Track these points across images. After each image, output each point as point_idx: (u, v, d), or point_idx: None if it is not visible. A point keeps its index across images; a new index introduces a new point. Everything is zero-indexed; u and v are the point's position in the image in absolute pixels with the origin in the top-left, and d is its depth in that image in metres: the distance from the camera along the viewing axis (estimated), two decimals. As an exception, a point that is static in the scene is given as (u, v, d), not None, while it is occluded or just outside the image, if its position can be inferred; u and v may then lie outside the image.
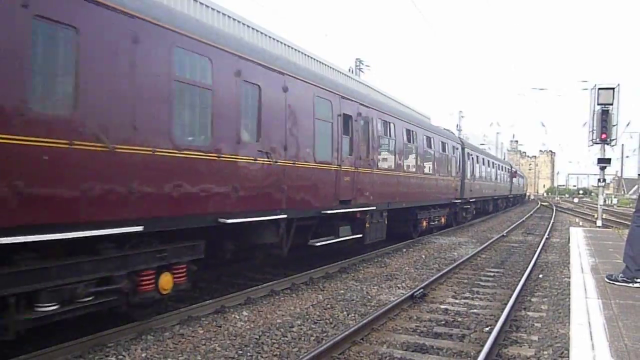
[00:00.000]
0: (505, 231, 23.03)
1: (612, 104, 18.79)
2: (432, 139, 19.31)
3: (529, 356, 6.48)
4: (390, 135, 15.07)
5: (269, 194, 9.16)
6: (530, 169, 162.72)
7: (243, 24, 17.32)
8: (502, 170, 40.51)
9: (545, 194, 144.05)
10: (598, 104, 19.15)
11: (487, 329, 7.58)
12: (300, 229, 10.41)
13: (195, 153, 7.36)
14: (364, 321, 7.36)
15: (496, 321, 7.65)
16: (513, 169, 49.89)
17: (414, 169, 17.05)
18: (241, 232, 8.79)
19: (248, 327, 7.38)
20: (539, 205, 60.57)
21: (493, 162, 36.20)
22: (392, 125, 15.15)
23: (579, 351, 4.22)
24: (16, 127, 5.15)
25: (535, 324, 7.95)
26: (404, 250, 15.94)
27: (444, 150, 21.15)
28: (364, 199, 12.93)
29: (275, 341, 6.78)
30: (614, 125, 19.03)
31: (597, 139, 19.31)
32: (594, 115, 19.51)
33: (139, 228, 6.39)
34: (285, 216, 9.48)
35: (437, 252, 15.88)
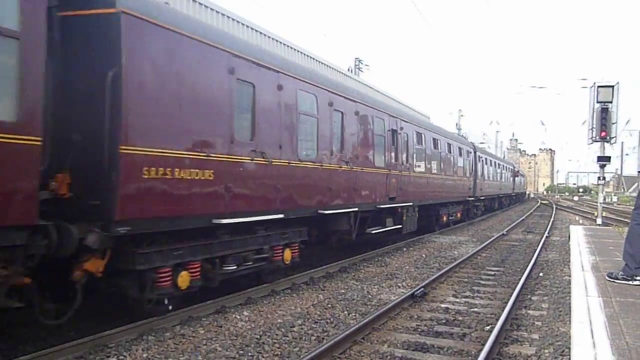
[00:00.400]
0: (506, 230, 23.04)
1: (611, 102, 18.82)
2: (451, 145, 23.11)
3: (530, 355, 6.48)
4: (421, 144, 18.41)
5: (348, 192, 12.27)
6: (530, 168, 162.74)
7: (281, 43, 18.12)
8: (506, 170, 43.75)
9: (545, 192, 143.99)
10: (597, 102, 19.18)
11: (488, 327, 7.58)
12: (361, 220, 13.10)
13: (310, 164, 10.62)
14: (365, 320, 7.37)
15: (497, 320, 7.66)
16: (515, 169, 52.47)
17: (438, 172, 20.46)
18: (328, 221, 11.75)
19: (249, 327, 7.38)
20: (538, 204, 60.58)
21: (499, 163, 39.43)
22: (423, 135, 18.61)
23: (580, 349, 4.22)
24: (229, 149, 8.06)
25: (536, 323, 7.95)
26: (404, 249, 15.95)
27: (460, 154, 24.77)
28: (404, 196, 16.01)
29: (276, 341, 6.78)
30: (613, 123, 19.06)
31: (597, 137, 19.34)
32: (593, 113, 19.55)
33: (280, 215, 9.44)
34: (356, 209, 12.54)
35: (438, 251, 15.89)
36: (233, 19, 16.98)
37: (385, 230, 14.65)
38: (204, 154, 7.45)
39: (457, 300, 9.48)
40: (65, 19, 6.05)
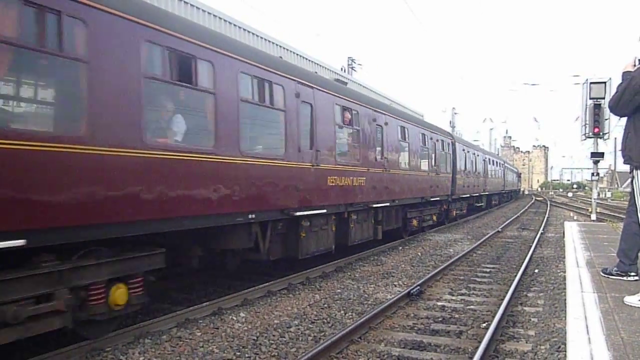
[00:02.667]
0: (501, 227, 23.09)
1: (604, 98, 18.81)
2: (488, 160, 32.52)
3: (526, 351, 6.51)
4: (447, 151, 22.39)
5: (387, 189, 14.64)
6: (524, 165, 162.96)
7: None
8: (511, 171, 52.44)
9: (539, 189, 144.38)
10: (590, 98, 19.18)
11: (484, 325, 7.60)
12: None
13: (350, 167, 12.29)
14: (362, 320, 7.37)
15: (493, 317, 7.68)
16: (518, 171, 60.02)
17: (479, 173, 29.08)
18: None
19: (245, 328, 7.37)
20: (533, 201, 60.73)
21: (506, 165, 47.42)
22: (449, 144, 23.14)
23: (575, 345, 4.23)
24: (298, 159, 9.98)
25: (532, 319, 7.98)
26: (400, 248, 15.97)
27: (494, 164, 36.12)
28: (439, 190, 20.41)
29: (273, 342, 6.78)
30: (606, 119, 19.06)
31: (590, 133, 19.35)
32: (586, 109, 19.56)
33: (323, 211, 10.95)
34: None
35: (433, 249, 15.91)
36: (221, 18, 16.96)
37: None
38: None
39: (454, 298, 9.49)
40: None
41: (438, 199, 20.78)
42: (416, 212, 18.20)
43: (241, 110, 8.38)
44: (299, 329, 7.40)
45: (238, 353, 6.32)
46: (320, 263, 11.85)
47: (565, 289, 8.05)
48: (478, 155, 31.31)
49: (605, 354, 3.97)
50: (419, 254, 14.85)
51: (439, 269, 11.62)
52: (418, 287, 9.58)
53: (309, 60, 23.70)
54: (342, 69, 34.82)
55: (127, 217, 6.27)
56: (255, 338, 6.89)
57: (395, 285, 10.44)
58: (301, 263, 11.04)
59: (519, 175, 73.60)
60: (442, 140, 21.90)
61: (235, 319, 7.80)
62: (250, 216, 8.56)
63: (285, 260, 10.56)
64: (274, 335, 7.04)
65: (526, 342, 6.88)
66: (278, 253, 10.11)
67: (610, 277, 6.98)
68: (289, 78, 9.90)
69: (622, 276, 6.86)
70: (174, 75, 7.10)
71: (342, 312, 8.40)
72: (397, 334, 7.22)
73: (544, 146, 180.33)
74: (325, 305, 8.76)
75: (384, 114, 14.89)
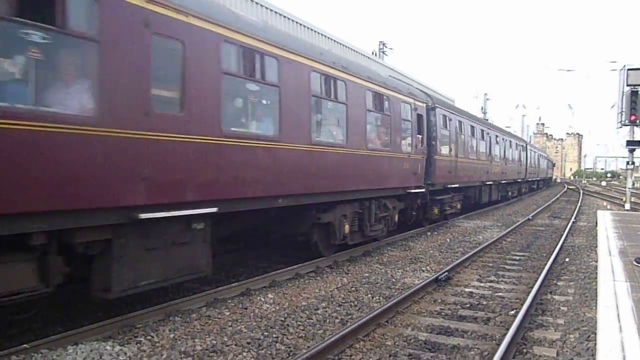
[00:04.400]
0: (531, 215, 22.79)
1: (642, 85, 18.41)
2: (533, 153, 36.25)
3: (555, 340, 6.45)
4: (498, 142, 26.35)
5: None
6: (557, 152, 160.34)
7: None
8: (541, 159, 51.62)
9: (572, 177, 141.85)
10: (627, 85, 18.78)
11: (513, 312, 7.55)
12: None
13: (379, 152, 12.34)
14: (389, 304, 7.39)
15: (522, 304, 7.62)
16: (552, 160, 61.58)
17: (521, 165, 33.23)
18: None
19: (273, 309, 7.46)
20: (565, 189, 59.74)
21: (540, 154, 50.06)
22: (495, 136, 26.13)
23: (606, 333, 4.19)
24: (365, 149, 11.49)
25: (562, 308, 7.89)
26: (428, 233, 15.90)
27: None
28: (494, 177, 24.81)
29: (300, 323, 6.85)
30: (643, 107, 18.65)
31: (626, 121, 18.97)
32: (622, 96, 19.15)
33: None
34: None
35: (462, 235, 15.81)
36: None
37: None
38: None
39: (482, 284, 9.44)
40: None
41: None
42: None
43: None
44: (326, 311, 7.45)
45: (266, 333, 6.40)
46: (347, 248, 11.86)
47: (596, 278, 7.95)
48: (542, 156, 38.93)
49: (636, 342, 3.93)
50: (448, 240, 14.77)
51: (467, 256, 11.55)
52: (446, 273, 9.54)
53: (343, 45, 23.56)
54: (373, 52, 34.54)
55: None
56: (283, 319, 6.96)
57: (423, 271, 10.42)
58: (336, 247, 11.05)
59: (553, 164, 73.66)
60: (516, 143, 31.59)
61: (263, 299, 7.89)
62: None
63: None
64: (301, 317, 7.10)
65: (555, 331, 6.81)
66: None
67: (644, 266, 6.86)
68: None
69: (656, 266, 6.73)
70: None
71: (370, 295, 8.43)
72: (424, 319, 7.22)
73: (577, 134, 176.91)
74: (353, 289, 8.79)
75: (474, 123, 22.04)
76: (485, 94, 74.19)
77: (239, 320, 6.89)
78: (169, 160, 6.49)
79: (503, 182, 28.60)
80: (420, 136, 14.83)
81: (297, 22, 19.51)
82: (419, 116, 14.92)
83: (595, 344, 5.51)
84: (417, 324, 7.00)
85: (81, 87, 5.68)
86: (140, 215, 6.04)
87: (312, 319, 7.08)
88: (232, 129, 7.74)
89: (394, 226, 13.62)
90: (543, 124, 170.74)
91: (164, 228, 6.54)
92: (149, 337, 6.12)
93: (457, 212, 20.11)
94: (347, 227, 10.96)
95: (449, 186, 18.07)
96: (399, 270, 10.38)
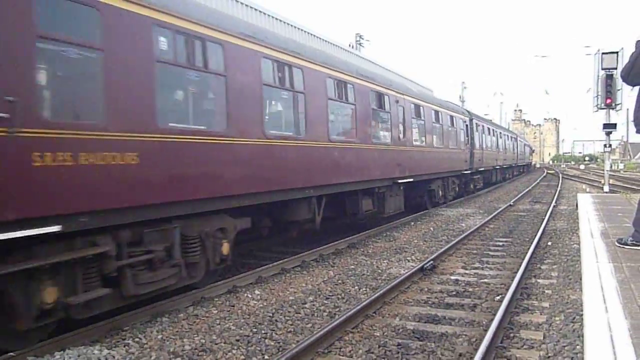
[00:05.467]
0: (513, 200, 23.02)
1: (616, 68, 18.61)
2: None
3: (541, 322, 6.52)
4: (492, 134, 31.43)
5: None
6: (535, 138, 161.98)
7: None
8: (525, 147, 59.10)
9: (551, 162, 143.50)
10: (602, 69, 18.98)
11: (498, 297, 7.62)
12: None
13: (452, 150, 20.67)
14: (376, 295, 7.42)
15: (507, 290, 7.70)
16: (532, 147, 66.07)
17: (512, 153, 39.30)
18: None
19: (261, 305, 7.44)
20: (545, 174, 60.39)
21: (525, 144, 57.57)
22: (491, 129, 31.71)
23: (592, 314, 4.23)
24: (447, 148, 20.23)
25: (546, 291, 7.98)
26: (412, 223, 15.98)
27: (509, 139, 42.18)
28: (500, 162, 31.35)
29: (288, 318, 6.84)
30: (618, 90, 18.87)
31: (602, 104, 19.18)
32: (598, 80, 19.36)
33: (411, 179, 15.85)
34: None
35: (445, 223, 15.91)
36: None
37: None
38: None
39: (467, 272, 9.51)
40: None
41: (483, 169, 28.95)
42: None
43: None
44: (314, 305, 7.45)
45: (255, 329, 6.38)
46: (332, 240, 11.90)
47: (579, 260, 8.04)
48: (523, 145, 43.14)
49: (622, 322, 3.97)
50: (431, 229, 14.85)
51: (451, 244, 11.63)
52: (431, 262, 9.60)
53: (320, 39, 23.52)
54: (349, 45, 34.53)
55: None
56: (271, 315, 6.95)
57: (409, 261, 10.47)
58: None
59: (532, 150, 76.14)
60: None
61: (250, 296, 7.87)
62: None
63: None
64: (289, 312, 7.10)
65: (541, 314, 6.89)
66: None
67: (626, 247, 6.94)
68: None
69: (638, 246, 6.82)
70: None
71: (357, 287, 8.45)
72: (412, 308, 7.26)
73: (555, 119, 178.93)
74: (340, 282, 8.80)
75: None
76: (463, 82, 74.64)
77: (227, 318, 6.86)
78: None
79: (505, 166, 38.84)
80: (467, 137, 24.26)
81: (275, 18, 19.44)
82: (466, 125, 24.20)
83: (581, 325, 5.59)
84: (404, 314, 7.03)
85: (219, 112, 8.02)
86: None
87: (300, 313, 7.08)
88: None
89: (456, 194, 23.24)
90: (521, 110, 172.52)
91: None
92: (137, 339, 6.06)
93: (480, 187, 29.05)
94: (440, 192, 20.21)
95: (479, 169, 26.79)
96: (385, 261, 10.41)
